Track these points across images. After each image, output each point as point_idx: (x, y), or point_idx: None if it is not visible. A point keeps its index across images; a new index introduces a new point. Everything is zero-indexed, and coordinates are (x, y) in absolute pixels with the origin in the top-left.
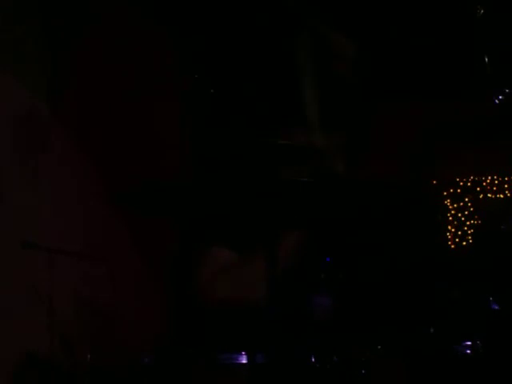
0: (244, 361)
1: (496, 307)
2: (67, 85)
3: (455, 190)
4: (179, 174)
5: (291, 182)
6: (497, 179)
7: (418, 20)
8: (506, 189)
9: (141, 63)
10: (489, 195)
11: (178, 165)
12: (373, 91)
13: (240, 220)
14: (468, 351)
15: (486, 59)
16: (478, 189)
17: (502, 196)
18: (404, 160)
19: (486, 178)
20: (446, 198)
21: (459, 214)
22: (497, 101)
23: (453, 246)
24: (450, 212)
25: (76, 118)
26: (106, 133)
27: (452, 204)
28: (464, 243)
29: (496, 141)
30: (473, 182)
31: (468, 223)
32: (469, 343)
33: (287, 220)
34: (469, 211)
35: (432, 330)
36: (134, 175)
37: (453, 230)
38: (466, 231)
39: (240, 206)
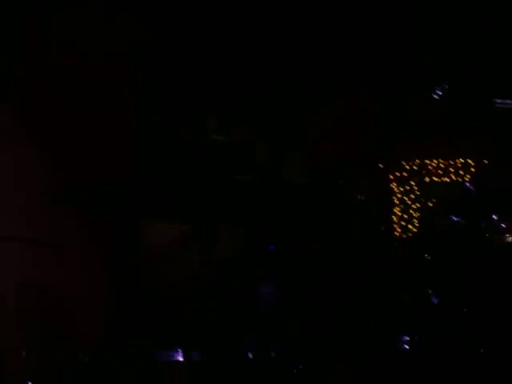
0: (181, 358)
1: (435, 300)
2: (16, 81)
3: (401, 174)
4: (125, 173)
5: (231, 180)
6: (442, 163)
7: (365, 16)
8: (452, 172)
9: (92, 63)
10: (434, 179)
11: (124, 163)
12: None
13: (178, 212)
14: (406, 346)
15: (427, 54)
16: (424, 172)
17: (447, 179)
18: (353, 144)
19: (432, 162)
20: (391, 181)
21: (405, 198)
22: (435, 96)
23: (399, 230)
24: (396, 195)
25: (24, 113)
26: (54, 127)
27: (398, 187)
28: (410, 227)
29: (441, 127)
30: (419, 165)
31: (414, 207)
32: (407, 338)
33: (228, 213)
34: (415, 194)
35: (372, 322)
36: (81, 172)
37: (399, 213)
38: (412, 215)
39: (180, 201)
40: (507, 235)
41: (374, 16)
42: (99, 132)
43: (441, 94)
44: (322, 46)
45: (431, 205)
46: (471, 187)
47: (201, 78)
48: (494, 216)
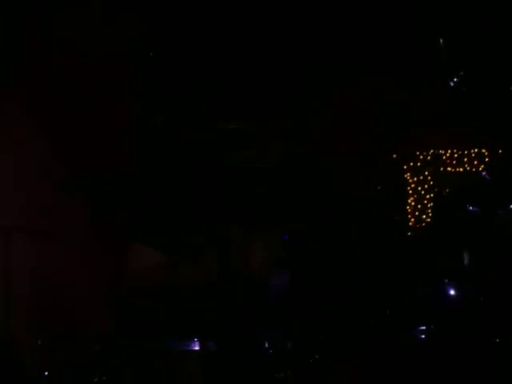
0: (197, 348)
1: (451, 291)
2: (22, 71)
3: (415, 164)
4: (127, 164)
5: (240, 168)
6: (456, 153)
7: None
8: (466, 162)
9: (94, 54)
10: (448, 169)
11: (127, 154)
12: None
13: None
14: (422, 336)
15: (442, 42)
16: (438, 162)
17: (461, 169)
18: (366, 134)
19: (446, 152)
20: (406, 171)
21: (419, 188)
22: (451, 83)
23: (413, 220)
24: (410, 186)
25: (29, 102)
26: (59, 118)
27: (412, 177)
28: (424, 217)
29: (456, 116)
30: (433, 155)
31: (428, 197)
32: (423, 328)
33: (241, 202)
34: (429, 185)
35: (388, 313)
36: (83, 162)
37: (413, 203)
38: (426, 205)
39: (186, 192)
40: None
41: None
42: (102, 124)
43: (457, 81)
44: (335, 34)
45: (446, 194)
46: (487, 176)
47: (202, 73)
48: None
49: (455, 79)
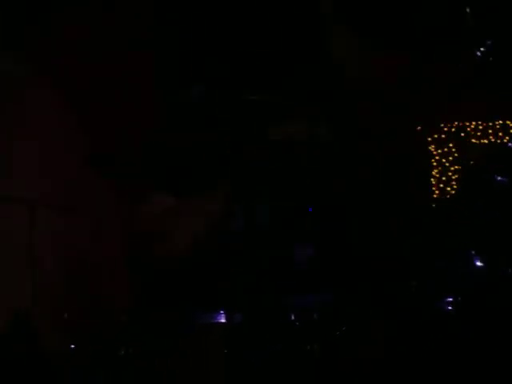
0: (223, 320)
1: (478, 263)
2: (46, 47)
3: (439, 136)
4: (153, 136)
5: (276, 142)
6: (481, 125)
7: None
8: (490, 134)
9: (115, 30)
10: (473, 140)
11: (153, 125)
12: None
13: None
14: (449, 307)
15: (468, 11)
16: (463, 134)
17: (485, 141)
18: (388, 107)
19: (470, 124)
20: (430, 143)
21: (443, 160)
22: (478, 52)
23: (437, 192)
24: (434, 158)
25: (56, 79)
26: (85, 95)
27: (436, 150)
28: (448, 189)
29: (479, 88)
30: (457, 127)
31: (452, 169)
32: (450, 299)
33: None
34: (453, 157)
35: (414, 284)
36: (111, 137)
37: (437, 175)
38: (451, 177)
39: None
40: None
41: None
42: (127, 98)
43: (483, 51)
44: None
45: (472, 165)
46: None
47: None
48: None
49: (482, 49)
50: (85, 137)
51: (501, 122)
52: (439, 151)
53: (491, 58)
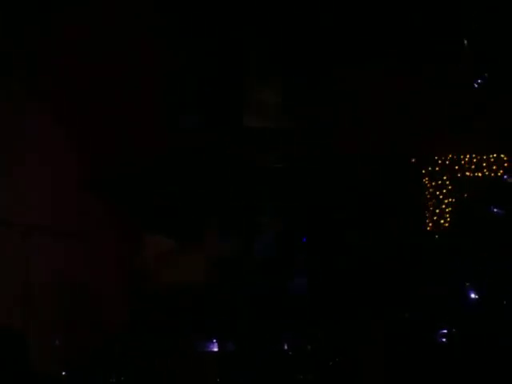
0: (215, 349)
1: (473, 295)
2: (45, 70)
3: (433, 168)
4: (152, 160)
5: (264, 168)
6: (475, 157)
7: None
8: (484, 167)
9: (118, 49)
10: (467, 173)
11: (151, 150)
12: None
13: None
14: (444, 339)
15: (466, 43)
16: (457, 167)
17: (479, 174)
18: (384, 137)
19: (465, 157)
20: (424, 176)
21: (437, 192)
22: (476, 85)
23: (430, 225)
24: (429, 190)
25: (54, 101)
26: (83, 118)
27: (430, 182)
28: (442, 221)
29: (474, 121)
30: (451, 160)
31: (446, 201)
32: (445, 331)
33: (262, 203)
34: (447, 189)
35: (407, 316)
36: (108, 160)
37: (431, 208)
38: (444, 209)
39: (214, 190)
40: None
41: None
42: (125, 123)
43: (480, 83)
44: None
45: (467, 198)
46: (510, 180)
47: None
48: None
49: (479, 81)
50: (82, 162)
51: (495, 155)
52: (433, 183)
53: (488, 91)
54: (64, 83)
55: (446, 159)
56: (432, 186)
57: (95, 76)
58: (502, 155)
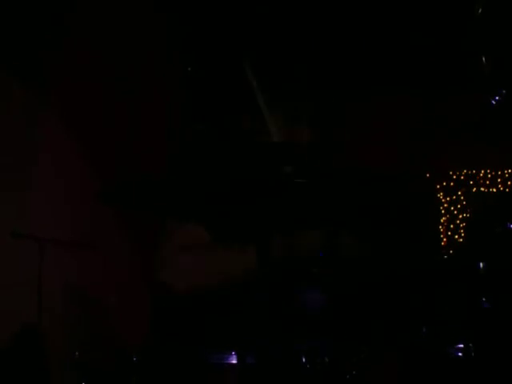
0: (234, 361)
1: (489, 307)
2: (57, 81)
3: (448, 183)
4: (164, 171)
5: (279, 181)
6: (490, 173)
7: (419, 18)
8: (499, 182)
9: (130, 59)
10: (482, 189)
11: (163, 162)
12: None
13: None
14: (460, 354)
15: (484, 60)
16: (471, 182)
17: (494, 190)
18: (397, 152)
19: (479, 172)
20: (439, 190)
21: (452, 208)
22: (493, 101)
23: (445, 240)
24: (443, 205)
25: (66, 113)
26: (95, 129)
27: (445, 197)
28: (456, 237)
29: (490, 136)
30: (466, 175)
31: (460, 216)
32: (461, 346)
33: (278, 216)
34: (461, 205)
35: (424, 330)
36: (121, 171)
37: (445, 223)
38: (459, 225)
39: (224, 203)
40: None
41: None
42: (139, 133)
43: (498, 99)
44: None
45: (480, 214)
46: None
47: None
48: None
49: (497, 97)
50: (96, 173)
51: (510, 170)
52: (447, 199)
53: (506, 108)
54: (77, 94)
55: (461, 174)
56: (446, 201)
57: (108, 85)
58: None
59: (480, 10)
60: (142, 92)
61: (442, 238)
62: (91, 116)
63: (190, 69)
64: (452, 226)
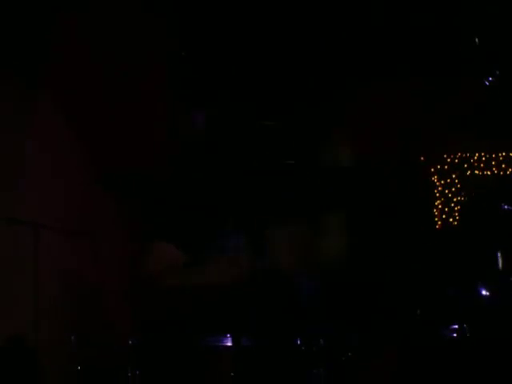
0: (229, 343)
1: (483, 290)
2: (56, 69)
3: (442, 167)
4: (162, 161)
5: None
6: (484, 156)
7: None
8: (493, 166)
9: (128, 48)
10: (476, 172)
11: (162, 150)
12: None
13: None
14: (454, 334)
15: (477, 41)
16: (466, 165)
17: (489, 173)
18: (392, 137)
19: (474, 155)
20: (433, 174)
21: (446, 191)
22: (487, 82)
23: (439, 223)
24: (437, 188)
25: (62, 101)
26: (93, 116)
27: (439, 180)
28: (451, 220)
29: (484, 119)
30: (460, 158)
31: (455, 200)
32: (456, 327)
33: (274, 205)
34: (456, 188)
35: (419, 313)
36: (119, 158)
37: (440, 206)
38: (453, 208)
39: (228, 193)
40: None
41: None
42: (138, 121)
43: (492, 80)
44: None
45: (478, 196)
46: None
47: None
48: None
49: (490, 78)
50: (94, 161)
51: (504, 153)
52: (442, 182)
53: (499, 89)
54: (74, 83)
55: (455, 157)
56: (441, 185)
57: (106, 75)
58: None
59: None
60: (142, 80)
61: (436, 221)
62: (87, 105)
63: (183, 53)
64: (446, 209)
